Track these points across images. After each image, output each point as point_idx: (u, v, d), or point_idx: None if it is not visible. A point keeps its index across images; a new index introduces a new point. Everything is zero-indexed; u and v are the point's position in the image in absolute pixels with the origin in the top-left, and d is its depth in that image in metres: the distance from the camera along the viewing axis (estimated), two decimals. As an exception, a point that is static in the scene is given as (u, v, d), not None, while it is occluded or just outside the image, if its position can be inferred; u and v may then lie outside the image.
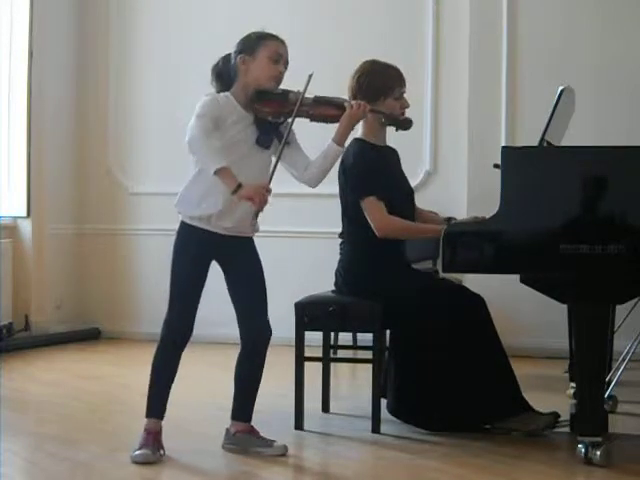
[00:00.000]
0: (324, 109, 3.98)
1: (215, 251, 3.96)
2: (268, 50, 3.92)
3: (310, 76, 3.85)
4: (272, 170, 3.84)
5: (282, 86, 3.98)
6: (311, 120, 3.99)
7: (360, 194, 4.39)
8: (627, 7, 6.77)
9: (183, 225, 3.97)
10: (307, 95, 3.92)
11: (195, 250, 3.93)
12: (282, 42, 3.97)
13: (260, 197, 3.72)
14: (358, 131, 4.52)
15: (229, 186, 3.72)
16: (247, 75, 3.93)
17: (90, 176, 7.69)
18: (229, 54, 4.00)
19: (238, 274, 4.00)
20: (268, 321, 4.02)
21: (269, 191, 3.76)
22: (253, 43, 3.93)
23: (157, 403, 3.94)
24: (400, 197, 4.50)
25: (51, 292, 7.35)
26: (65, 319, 7.45)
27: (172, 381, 3.97)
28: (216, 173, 3.70)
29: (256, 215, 3.80)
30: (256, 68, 3.92)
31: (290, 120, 3.88)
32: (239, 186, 3.71)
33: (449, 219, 4.50)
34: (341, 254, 4.56)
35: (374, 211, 4.38)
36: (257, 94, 3.91)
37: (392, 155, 4.62)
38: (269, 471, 3.80)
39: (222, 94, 3.93)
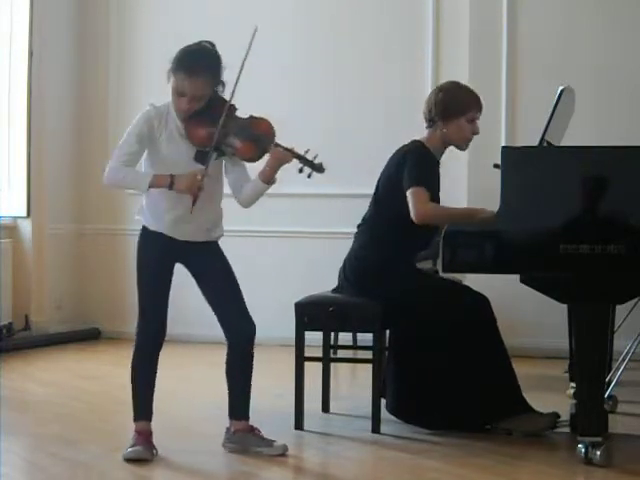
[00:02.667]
0: (244, 149, 3.87)
1: (176, 254, 3.96)
2: (173, 83, 3.88)
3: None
4: (210, 153, 3.80)
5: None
6: (231, 156, 3.92)
7: (412, 182, 4.36)
8: (627, 7, 6.77)
9: (143, 230, 3.99)
10: (236, 120, 3.85)
11: (157, 254, 3.95)
12: (191, 76, 3.81)
13: (193, 188, 3.76)
14: (423, 134, 4.54)
15: (163, 187, 3.79)
16: None
17: (90, 176, 7.67)
18: None
19: (207, 277, 4.00)
20: (249, 317, 3.99)
21: (205, 175, 3.77)
22: (171, 67, 3.90)
23: (143, 407, 3.95)
24: None
25: (51, 292, 7.35)
26: (65, 319, 7.45)
27: (154, 383, 3.97)
28: (150, 187, 3.80)
29: (194, 203, 3.80)
30: (170, 92, 3.90)
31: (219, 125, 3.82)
32: (172, 182, 3.77)
33: None
34: (355, 240, 4.58)
35: (420, 198, 4.34)
36: (184, 119, 3.87)
37: (439, 170, 4.60)
38: (269, 471, 3.80)
39: (162, 105, 3.93)
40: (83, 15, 7.67)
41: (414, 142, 4.54)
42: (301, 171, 3.95)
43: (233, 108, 3.89)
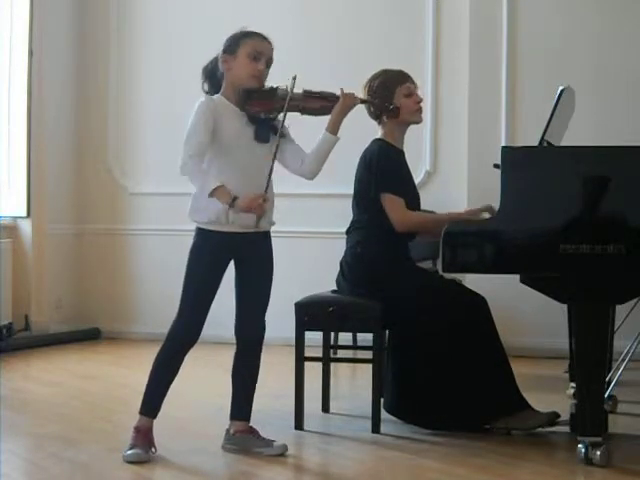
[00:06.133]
0: (313, 102, 3.99)
1: (232, 253, 3.97)
2: (247, 48, 3.93)
3: (294, 78, 3.87)
4: (268, 177, 3.85)
5: (273, 83, 4.00)
6: (302, 113, 4.01)
7: (381, 190, 4.47)
8: (627, 7, 6.77)
9: (199, 230, 3.97)
10: (296, 90, 3.94)
11: (211, 254, 3.94)
12: (263, 39, 3.97)
13: (257, 207, 3.80)
14: (378, 133, 4.61)
15: (225, 203, 3.80)
16: (230, 74, 3.96)
17: (90, 176, 7.69)
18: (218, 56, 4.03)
19: (248, 273, 4.01)
20: (263, 321, 4.02)
21: (266, 199, 3.82)
22: (234, 42, 3.96)
23: (153, 402, 3.95)
24: (411, 201, 4.56)
25: (51, 292, 7.35)
26: (65, 319, 7.45)
27: (172, 382, 3.97)
28: (211, 195, 3.80)
29: (258, 220, 3.85)
30: (237, 67, 3.94)
31: (281, 116, 3.90)
32: (234, 200, 3.79)
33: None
34: (348, 242, 4.59)
35: (395, 207, 4.47)
36: (245, 93, 3.94)
37: (405, 159, 4.65)
38: (269, 471, 3.80)
39: (214, 96, 3.97)
40: (83, 15, 7.68)
41: (375, 141, 4.60)
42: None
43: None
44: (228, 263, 4.00)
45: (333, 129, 3.98)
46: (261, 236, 4.02)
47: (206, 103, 3.91)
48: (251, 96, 3.94)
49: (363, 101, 4.16)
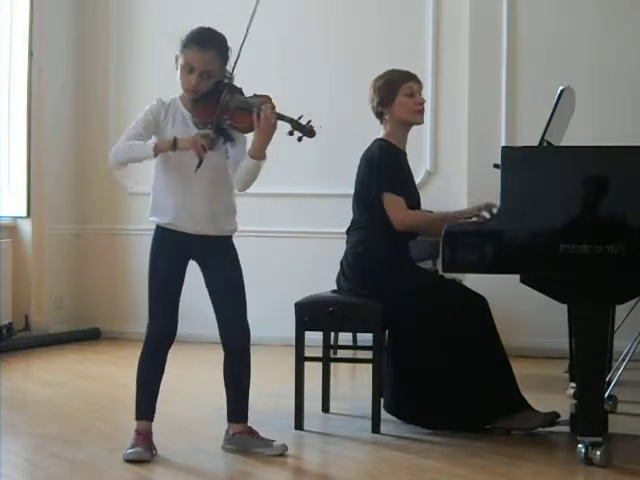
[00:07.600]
0: (242, 119, 3.85)
1: (190, 251, 3.95)
2: (183, 59, 3.91)
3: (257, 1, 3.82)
4: (213, 123, 3.79)
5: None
6: (230, 129, 3.89)
7: (382, 189, 4.48)
8: (627, 7, 6.77)
9: (157, 228, 3.97)
10: (238, 96, 3.87)
11: (170, 251, 3.92)
12: (201, 50, 3.86)
13: (197, 145, 3.73)
14: (380, 132, 4.62)
15: (167, 149, 3.80)
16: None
17: (90, 176, 7.69)
18: None
19: (214, 277, 3.98)
20: (246, 323, 3.99)
21: (206, 136, 3.75)
22: (180, 46, 3.93)
23: (146, 405, 3.95)
24: (411, 201, 4.57)
25: (51, 292, 7.35)
26: (65, 319, 7.45)
27: (159, 382, 3.97)
28: (156, 154, 3.81)
29: (198, 165, 3.74)
30: (179, 73, 3.94)
31: (213, 125, 3.82)
32: (175, 142, 3.77)
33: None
34: (348, 242, 4.60)
35: (395, 206, 4.48)
36: (190, 101, 3.92)
37: (406, 159, 4.66)
38: (269, 471, 3.79)
39: (171, 98, 3.99)
40: (83, 15, 7.68)
41: (376, 141, 4.61)
42: (291, 134, 3.87)
43: (237, 88, 3.90)
44: (186, 262, 3.97)
45: (255, 154, 3.85)
46: (220, 241, 3.98)
47: (154, 106, 3.95)
48: (194, 104, 3.91)
49: (280, 118, 3.86)
